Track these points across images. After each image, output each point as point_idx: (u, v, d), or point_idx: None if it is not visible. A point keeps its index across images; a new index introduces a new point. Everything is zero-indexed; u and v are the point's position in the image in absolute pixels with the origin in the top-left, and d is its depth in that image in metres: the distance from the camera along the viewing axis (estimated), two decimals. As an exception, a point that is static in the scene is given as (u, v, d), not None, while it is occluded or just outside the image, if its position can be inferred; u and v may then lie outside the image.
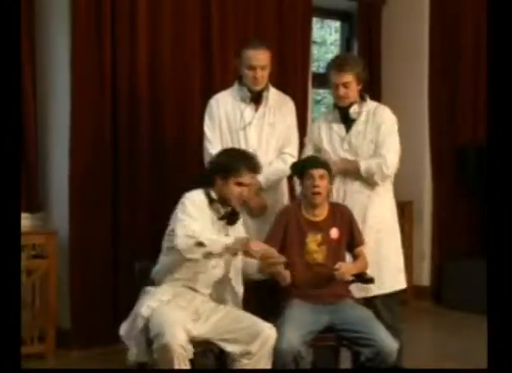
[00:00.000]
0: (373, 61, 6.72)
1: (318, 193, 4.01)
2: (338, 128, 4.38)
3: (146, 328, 3.58)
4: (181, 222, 3.61)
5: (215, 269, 3.80)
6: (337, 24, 7.19)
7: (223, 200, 3.79)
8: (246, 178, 3.78)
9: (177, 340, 3.42)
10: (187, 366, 3.47)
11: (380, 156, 4.27)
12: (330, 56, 7.37)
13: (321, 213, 4.09)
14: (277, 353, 3.69)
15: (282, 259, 3.77)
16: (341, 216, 4.12)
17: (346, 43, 7.01)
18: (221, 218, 3.79)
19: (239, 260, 3.86)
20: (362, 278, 4.11)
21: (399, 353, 4.20)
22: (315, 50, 6.89)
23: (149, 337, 3.55)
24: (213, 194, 3.79)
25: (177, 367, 3.43)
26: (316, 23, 6.88)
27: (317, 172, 4.01)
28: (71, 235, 4.96)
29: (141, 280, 3.88)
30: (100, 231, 5.00)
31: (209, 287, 3.84)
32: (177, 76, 5.28)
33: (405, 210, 6.47)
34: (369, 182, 4.31)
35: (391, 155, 4.28)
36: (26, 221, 4.82)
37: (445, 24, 6.66)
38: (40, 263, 4.79)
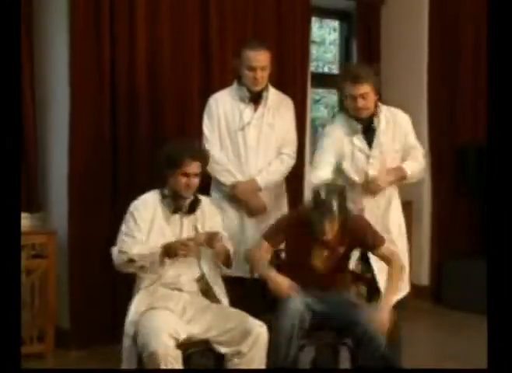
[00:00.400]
0: (372, 60, 6.69)
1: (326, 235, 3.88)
2: (361, 143, 4.28)
3: (135, 343, 3.61)
4: (119, 236, 3.79)
5: (192, 266, 3.85)
6: (336, 24, 7.18)
7: (175, 193, 3.83)
8: (191, 167, 3.79)
9: (163, 347, 3.41)
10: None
11: (414, 159, 4.32)
12: (329, 56, 7.39)
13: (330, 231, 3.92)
14: (284, 317, 3.72)
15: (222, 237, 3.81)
16: (352, 233, 3.97)
17: (345, 42, 7.00)
18: (174, 211, 3.84)
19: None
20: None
21: (399, 352, 4.22)
22: (314, 50, 6.87)
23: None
24: (166, 190, 3.86)
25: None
26: (315, 23, 6.86)
27: (329, 226, 3.82)
28: (70, 235, 4.95)
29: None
30: (100, 231, 4.99)
31: (192, 285, 3.86)
32: (176, 75, 5.27)
33: (405, 211, 6.44)
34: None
35: (423, 159, 4.38)
36: (25, 220, 4.80)
37: (445, 24, 6.65)
38: (40, 262, 4.78)
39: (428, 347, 5.45)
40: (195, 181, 3.83)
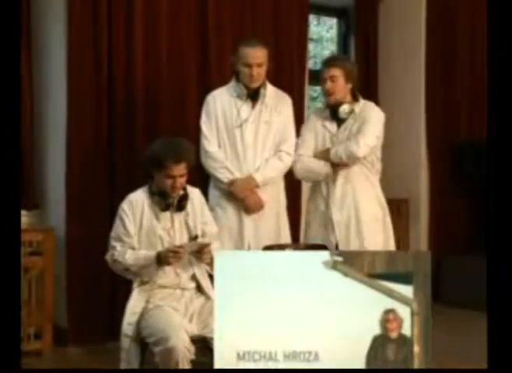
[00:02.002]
0: (370, 57, 6.72)
1: None
2: (331, 126, 4.48)
3: (135, 343, 3.64)
4: (110, 242, 3.83)
5: (185, 264, 3.85)
6: (333, 21, 7.19)
7: (162, 192, 3.81)
8: (174, 170, 3.73)
9: (183, 342, 3.44)
10: (189, 366, 3.49)
11: (351, 139, 4.38)
12: (326, 53, 7.39)
13: None
14: None
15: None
16: None
17: (343, 40, 7.01)
18: (164, 209, 3.82)
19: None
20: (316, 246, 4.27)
21: None
22: (311, 47, 6.87)
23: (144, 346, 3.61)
24: (154, 187, 3.84)
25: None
26: (312, 20, 6.87)
27: None
28: (67, 232, 4.95)
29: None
30: (97, 228, 4.98)
31: (191, 283, 3.87)
32: (174, 72, 5.27)
33: (402, 208, 6.46)
34: (342, 166, 4.41)
35: (365, 138, 4.36)
36: (22, 218, 4.80)
37: (442, 21, 6.65)
38: (37, 260, 4.78)
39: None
40: (181, 181, 3.79)
